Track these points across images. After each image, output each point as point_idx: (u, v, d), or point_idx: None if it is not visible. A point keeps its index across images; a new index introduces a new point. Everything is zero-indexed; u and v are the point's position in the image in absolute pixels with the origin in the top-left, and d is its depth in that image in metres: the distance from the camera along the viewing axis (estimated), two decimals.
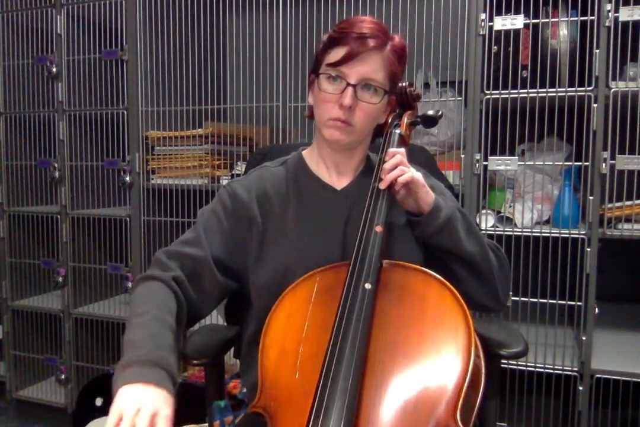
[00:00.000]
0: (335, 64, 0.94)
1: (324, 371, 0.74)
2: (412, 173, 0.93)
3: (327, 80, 0.96)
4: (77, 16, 2.10)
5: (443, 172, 1.41)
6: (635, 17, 1.45)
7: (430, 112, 1.08)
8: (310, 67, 1.03)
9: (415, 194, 0.94)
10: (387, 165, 0.95)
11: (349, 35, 0.94)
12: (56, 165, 2.12)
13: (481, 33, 1.59)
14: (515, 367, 1.64)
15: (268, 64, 1.89)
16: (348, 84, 0.94)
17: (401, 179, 0.93)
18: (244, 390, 1.15)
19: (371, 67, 0.94)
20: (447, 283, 0.85)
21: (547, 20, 1.57)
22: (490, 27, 1.58)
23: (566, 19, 1.57)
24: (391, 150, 0.97)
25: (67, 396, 2.21)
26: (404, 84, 1.07)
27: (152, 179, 2.03)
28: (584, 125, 1.56)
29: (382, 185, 0.95)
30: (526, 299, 1.62)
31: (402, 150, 0.97)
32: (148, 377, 0.73)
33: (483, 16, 1.57)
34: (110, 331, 2.18)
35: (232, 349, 1.24)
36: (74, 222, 2.15)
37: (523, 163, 1.64)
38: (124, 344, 0.81)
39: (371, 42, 0.94)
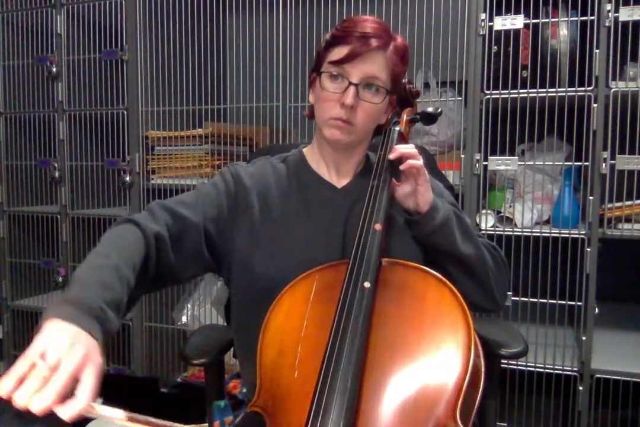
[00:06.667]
0: (337, 63, 0.94)
1: (322, 371, 0.74)
2: (422, 164, 0.94)
3: (329, 79, 0.96)
4: (77, 16, 2.10)
5: (443, 172, 1.41)
6: (635, 17, 1.45)
7: (430, 109, 1.08)
8: (312, 65, 1.03)
9: (416, 186, 0.95)
10: (399, 146, 0.96)
11: (352, 34, 0.94)
12: (56, 165, 2.12)
13: (481, 33, 1.59)
14: (515, 367, 1.64)
15: (268, 64, 1.89)
16: (350, 83, 0.94)
17: (413, 162, 0.93)
18: (244, 390, 1.15)
19: (374, 67, 0.94)
20: (447, 281, 0.84)
21: (547, 20, 1.57)
22: (490, 27, 1.58)
23: (566, 19, 1.57)
24: (402, 145, 0.98)
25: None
26: (403, 81, 1.07)
27: (152, 179, 2.03)
28: (584, 125, 1.56)
29: (392, 156, 0.96)
30: (526, 299, 1.62)
31: (413, 146, 0.97)
32: (88, 325, 0.67)
33: (483, 16, 1.58)
34: None
35: (232, 349, 1.24)
36: (74, 222, 2.15)
37: (523, 163, 1.64)
38: (74, 277, 0.76)
39: (374, 42, 0.93)
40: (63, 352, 0.61)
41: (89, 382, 0.61)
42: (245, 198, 1.02)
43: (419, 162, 0.94)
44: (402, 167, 0.95)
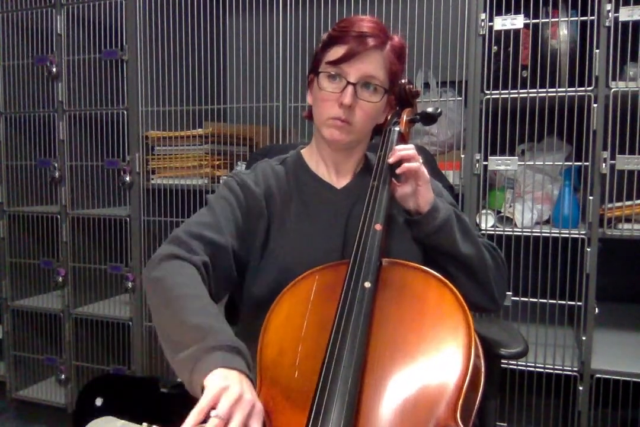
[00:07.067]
0: (335, 62, 0.94)
1: (323, 371, 0.74)
2: (421, 164, 0.95)
3: (327, 79, 0.96)
4: (77, 16, 2.10)
5: (443, 172, 1.41)
6: (635, 17, 1.45)
7: (429, 109, 1.08)
8: (310, 66, 1.03)
9: (417, 187, 0.95)
10: (398, 147, 0.96)
11: (348, 34, 0.94)
12: (56, 165, 2.12)
13: (481, 33, 1.59)
14: (515, 367, 1.63)
15: (268, 64, 1.88)
16: (348, 83, 0.94)
17: (409, 165, 0.94)
18: None
19: (371, 66, 0.95)
20: (447, 282, 0.85)
21: (547, 20, 1.57)
22: (490, 27, 1.58)
23: (566, 19, 1.57)
24: (401, 146, 0.98)
25: (67, 396, 2.21)
26: (402, 81, 1.07)
27: (152, 179, 2.03)
28: (584, 125, 1.56)
29: (392, 160, 0.96)
30: (526, 299, 1.62)
31: (412, 146, 0.97)
32: (240, 365, 0.71)
33: (483, 16, 1.57)
34: (110, 331, 2.18)
35: None
36: (74, 222, 2.15)
37: (523, 163, 1.64)
38: (184, 324, 0.76)
39: (371, 41, 0.94)
40: (232, 404, 0.65)
41: None
42: (257, 205, 1.01)
43: (417, 164, 0.94)
44: (398, 171, 0.95)
